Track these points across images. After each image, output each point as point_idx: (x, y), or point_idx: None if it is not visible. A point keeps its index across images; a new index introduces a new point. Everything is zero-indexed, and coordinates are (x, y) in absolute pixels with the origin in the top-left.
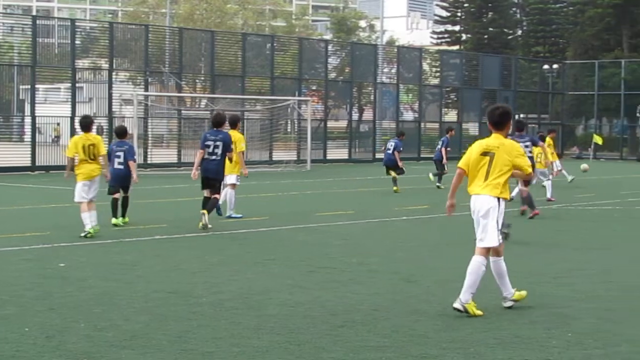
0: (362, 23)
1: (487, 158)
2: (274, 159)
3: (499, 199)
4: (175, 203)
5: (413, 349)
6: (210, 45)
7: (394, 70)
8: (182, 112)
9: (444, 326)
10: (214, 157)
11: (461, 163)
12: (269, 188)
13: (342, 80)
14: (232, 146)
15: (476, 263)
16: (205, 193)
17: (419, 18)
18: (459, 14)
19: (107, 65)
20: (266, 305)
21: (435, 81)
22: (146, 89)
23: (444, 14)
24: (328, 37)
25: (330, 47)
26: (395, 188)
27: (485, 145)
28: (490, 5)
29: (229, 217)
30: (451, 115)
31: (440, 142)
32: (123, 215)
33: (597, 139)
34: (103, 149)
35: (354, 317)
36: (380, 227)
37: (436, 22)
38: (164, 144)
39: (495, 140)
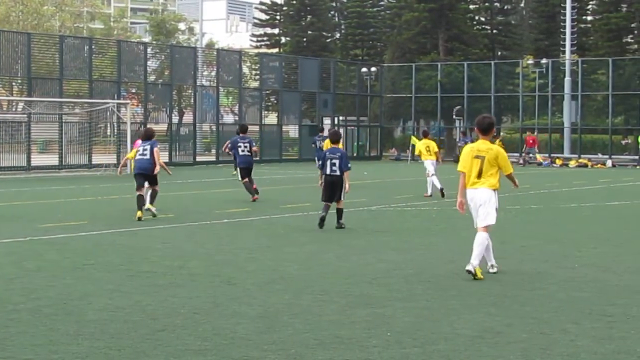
0: (182, 26)
1: (479, 160)
2: (93, 162)
3: (494, 190)
4: None
5: (234, 352)
6: (27, 47)
7: (213, 73)
8: None
9: (265, 328)
10: (144, 157)
11: (461, 167)
12: (88, 192)
13: (161, 83)
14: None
15: (482, 237)
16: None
17: (238, 21)
18: (278, 17)
19: None
20: (86, 311)
21: (255, 84)
22: None
23: (263, 17)
24: (147, 39)
25: (149, 50)
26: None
27: (477, 150)
28: (308, 8)
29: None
30: (271, 118)
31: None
32: None
33: (415, 141)
34: None
35: (175, 321)
36: (201, 231)
37: (255, 25)
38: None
39: (483, 144)
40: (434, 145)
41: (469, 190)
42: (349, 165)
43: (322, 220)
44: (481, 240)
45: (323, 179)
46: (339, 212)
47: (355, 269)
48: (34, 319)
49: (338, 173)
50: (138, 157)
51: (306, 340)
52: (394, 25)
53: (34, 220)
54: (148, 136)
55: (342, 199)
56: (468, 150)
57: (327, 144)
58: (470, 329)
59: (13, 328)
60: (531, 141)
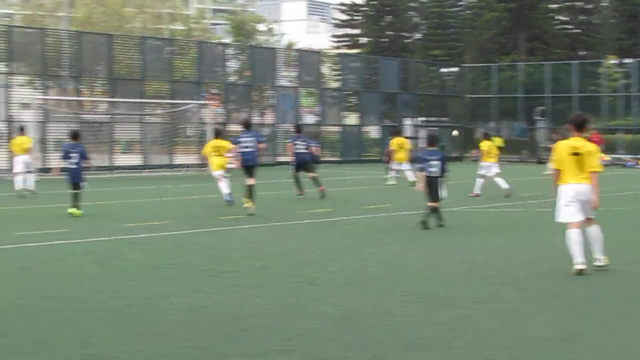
0: (261, 27)
1: (576, 157)
2: (174, 162)
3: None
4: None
5: (317, 352)
6: (109, 48)
7: (293, 74)
8: (82, 116)
9: (348, 329)
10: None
11: (556, 165)
12: (170, 192)
13: (242, 83)
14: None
15: (596, 229)
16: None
17: (318, 21)
18: (357, 18)
19: (5, 69)
20: (169, 310)
21: (336, 84)
22: (45, 93)
23: (343, 17)
24: (227, 40)
25: (229, 51)
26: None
27: (572, 147)
28: (388, 9)
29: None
30: (352, 119)
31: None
32: (77, 207)
33: (497, 142)
34: None
35: (258, 321)
36: (283, 231)
37: (335, 25)
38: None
39: (578, 141)
40: (495, 147)
41: (573, 186)
42: (448, 167)
43: (425, 223)
44: (598, 232)
45: (424, 180)
46: (435, 211)
47: (438, 270)
48: (119, 318)
49: (437, 175)
50: (243, 149)
51: (390, 341)
52: (474, 25)
53: (117, 219)
54: (248, 125)
55: (439, 199)
56: (563, 148)
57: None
58: (554, 332)
59: (98, 326)
60: (596, 140)
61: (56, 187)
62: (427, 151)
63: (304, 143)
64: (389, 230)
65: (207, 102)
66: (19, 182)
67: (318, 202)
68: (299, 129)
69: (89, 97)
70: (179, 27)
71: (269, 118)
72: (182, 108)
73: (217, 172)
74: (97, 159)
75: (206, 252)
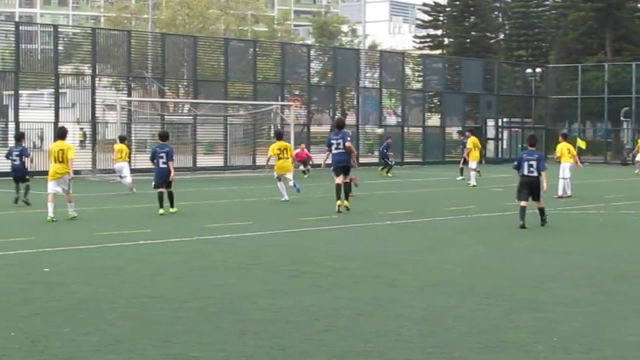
0: (344, 28)
1: None
2: (257, 163)
3: None
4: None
5: (397, 354)
6: (193, 50)
7: (376, 75)
8: (165, 117)
9: (428, 331)
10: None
11: None
12: (253, 193)
13: (324, 84)
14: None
15: None
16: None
17: (401, 22)
18: (441, 18)
19: (90, 71)
20: (250, 310)
21: (418, 85)
22: (129, 95)
23: (426, 18)
24: (310, 42)
25: (312, 52)
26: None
27: None
28: (472, 9)
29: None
30: (434, 120)
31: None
32: (172, 206)
33: (581, 143)
34: (71, 154)
35: (338, 322)
36: (364, 232)
37: (418, 26)
38: (147, 149)
39: None
40: (573, 148)
41: None
42: (546, 165)
43: (523, 223)
44: None
45: (519, 179)
46: (542, 211)
47: (519, 272)
48: (200, 318)
49: (535, 174)
50: (334, 150)
51: (470, 344)
52: (559, 25)
53: (200, 220)
54: (340, 125)
55: (541, 199)
56: None
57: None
58: (638, 336)
59: (180, 326)
60: None
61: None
62: (527, 151)
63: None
64: (470, 232)
65: (290, 103)
66: (128, 180)
67: (399, 204)
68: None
69: (173, 98)
70: (262, 28)
71: (351, 119)
72: (265, 109)
73: (287, 174)
74: (180, 160)
75: (288, 253)
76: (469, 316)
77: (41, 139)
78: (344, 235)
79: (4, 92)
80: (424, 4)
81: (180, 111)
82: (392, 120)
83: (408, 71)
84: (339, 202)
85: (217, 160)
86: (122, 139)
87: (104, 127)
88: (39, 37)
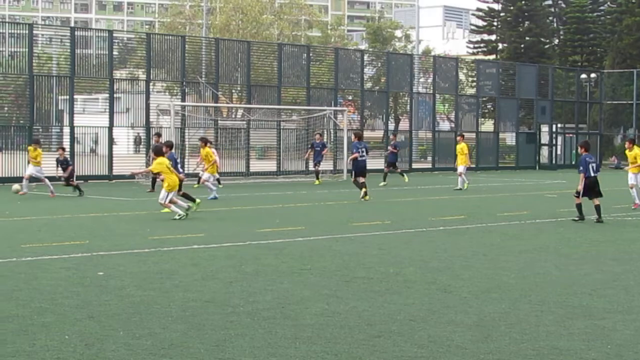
0: (398, 33)
1: None
2: (310, 169)
3: None
4: (213, 213)
5: None
6: (247, 55)
7: (430, 80)
8: (219, 122)
9: (481, 337)
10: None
11: None
12: (305, 198)
13: (378, 90)
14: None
15: None
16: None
17: (454, 28)
18: (495, 24)
19: (145, 76)
20: (303, 315)
21: (472, 91)
22: (183, 99)
23: (480, 23)
24: (363, 47)
25: (365, 57)
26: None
27: None
28: (526, 14)
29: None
30: (488, 125)
31: None
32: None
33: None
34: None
35: (391, 327)
36: (416, 237)
37: (472, 31)
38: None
39: None
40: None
41: None
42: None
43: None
44: None
45: (584, 181)
46: (598, 208)
47: (573, 279)
48: (253, 322)
49: (597, 174)
50: (360, 157)
51: (523, 351)
52: (615, 31)
53: (252, 225)
54: (361, 136)
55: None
56: None
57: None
58: None
59: (232, 330)
60: None
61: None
62: (587, 155)
63: (364, 149)
64: (523, 238)
65: (343, 108)
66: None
67: (452, 209)
68: (359, 135)
69: (226, 103)
70: (316, 33)
71: (405, 125)
72: (318, 114)
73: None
74: (233, 165)
75: (340, 258)
76: (522, 323)
77: (96, 143)
78: (396, 241)
79: (60, 97)
80: (478, 9)
81: (233, 116)
82: (445, 126)
83: (462, 76)
84: (365, 190)
85: (270, 165)
86: (209, 142)
87: (158, 131)
88: (94, 43)
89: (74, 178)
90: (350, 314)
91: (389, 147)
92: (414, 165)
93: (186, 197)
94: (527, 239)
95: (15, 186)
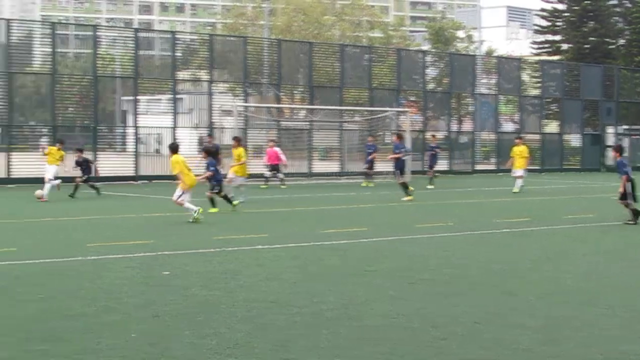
0: (460, 33)
1: None
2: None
3: None
4: (276, 213)
5: None
6: (308, 56)
7: (493, 81)
8: (281, 122)
9: (547, 340)
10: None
11: None
12: (369, 199)
13: (440, 91)
14: None
15: None
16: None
17: (518, 28)
18: (559, 24)
19: (207, 77)
20: (367, 316)
21: (536, 92)
22: (245, 100)
23: (544, 23)
24: (426, 47)
25: (428, 58)
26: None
27: None
28: (591, 14)
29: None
30: (552, 127)
31: None
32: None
33: None
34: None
35: (456, 330)
36: (481, 239)
37: (536, 32)
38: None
39: None
40: None
41: None
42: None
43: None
44: None
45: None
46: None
47: (639, 282)
48: (317, 323)
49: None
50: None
51: (590, 355)
52: None
53: (316, 226)
54: (402, 137)
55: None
56: None
57: None
58: None
59: (296, 331)
60: None
61: (254, 193)
62: (624, 159)
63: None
64: (588, 241)
65: (406, 109)
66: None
67: (516, 211)
68: (400, 136)
69: (289, 104)
70: (377, 34)
71: (468, 125)
72: (380, 115)
73: None
74: (295, 166)
75: (404, 260)
76: (588, 326)
77: (160, 143)
78: (460, 243)
79: (123, 98)
80: (542, 10)
81: (295, 117)
82: (508, 127)
83: (525, 77)
84: (412, 188)
85: (332, 166)
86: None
87: (221, 132)
88: (157, 44)
89: (90, 177)
90: (414, 316)
91: (430, 150)
92: (477, 167)
93: (226, 199)
94: (592, 242)
95: (39, 191)
